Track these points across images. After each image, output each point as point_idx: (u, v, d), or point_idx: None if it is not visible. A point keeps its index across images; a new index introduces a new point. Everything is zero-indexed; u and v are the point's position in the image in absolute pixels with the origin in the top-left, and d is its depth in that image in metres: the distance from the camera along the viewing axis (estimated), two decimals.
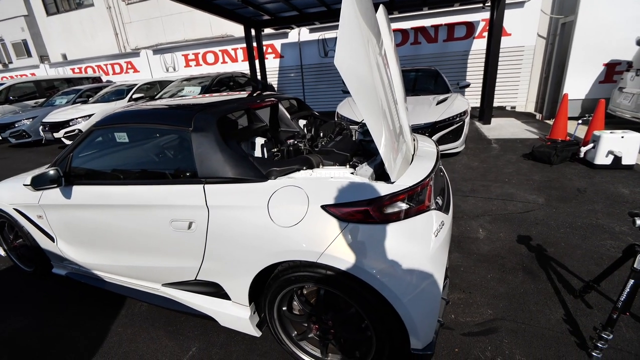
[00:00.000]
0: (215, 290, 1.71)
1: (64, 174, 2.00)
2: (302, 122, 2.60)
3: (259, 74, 9.69)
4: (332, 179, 1.46)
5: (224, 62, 11.78)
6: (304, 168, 1.57)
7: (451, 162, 4.75)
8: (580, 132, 5.05)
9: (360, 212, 1.32)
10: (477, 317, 1.90)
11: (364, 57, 1.24)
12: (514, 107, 8.76)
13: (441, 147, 4.71)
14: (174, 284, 1.86)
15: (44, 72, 14.91)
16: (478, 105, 7.72)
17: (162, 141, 1.95)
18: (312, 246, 1.33)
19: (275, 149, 2.01)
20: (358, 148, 2.07)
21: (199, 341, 1.89)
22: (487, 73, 6.89)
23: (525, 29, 8.10)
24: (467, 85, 5.83)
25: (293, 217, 1.38)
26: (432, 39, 8.96)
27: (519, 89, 8.60)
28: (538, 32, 8.15)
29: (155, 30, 13.77)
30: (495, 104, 8.02)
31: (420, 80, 6.07)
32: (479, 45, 8.44)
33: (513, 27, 8.12)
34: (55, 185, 1.97)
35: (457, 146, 4.81)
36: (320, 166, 1.63)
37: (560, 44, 7.62)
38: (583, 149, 4.26)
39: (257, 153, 1.89)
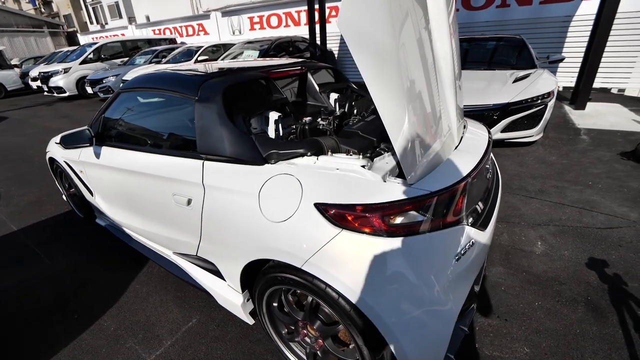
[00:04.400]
0: (214, 269, 1.65)
1: (95, 134, 2.08)
2: (334, 96, 2.30)
3: (318, 39, 9.24)
4: (337, 171, 1.21)
5: (286, 25, 11.52)
6: (309, 153, 1.33)
7: (521, 154, 4.00)
8: None
9: (359, 218, 1.07)
10: (508, 354, 1.56)
11: (383, 21, 0.92)
12: (622, 90, 7.03)
13: (511, 135, 3.98)
14: (181, 254, 1.86)
15: (131, 33, 16.38)
16: (572, 85, 6.36)
17: (172, 109, 1.87)
18: (297, 250, 1.13)
19: (294, 126, 1.79)
20: None
21: (200, 313, 1.90)
22: (591, 45, 5.52)
23: None
24: (560, 60, 4.75)
25: (282, 211, 1.19)
26: (526, 1, 7.43)
27: (634, 66, 6.81)
28: None
29: None
30: (598, 85, 6.54)
31: (499, 52, 5.12)
32: (588, 8, 6.75)
33: None
34: (88, 145, 2.06)
35: (532, 134, 4.01)
36: (330, 153, 1.38)
37: None
38: None
39: (271, 129, 1.70)
